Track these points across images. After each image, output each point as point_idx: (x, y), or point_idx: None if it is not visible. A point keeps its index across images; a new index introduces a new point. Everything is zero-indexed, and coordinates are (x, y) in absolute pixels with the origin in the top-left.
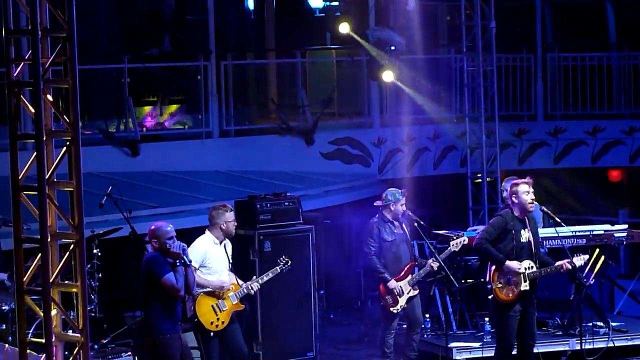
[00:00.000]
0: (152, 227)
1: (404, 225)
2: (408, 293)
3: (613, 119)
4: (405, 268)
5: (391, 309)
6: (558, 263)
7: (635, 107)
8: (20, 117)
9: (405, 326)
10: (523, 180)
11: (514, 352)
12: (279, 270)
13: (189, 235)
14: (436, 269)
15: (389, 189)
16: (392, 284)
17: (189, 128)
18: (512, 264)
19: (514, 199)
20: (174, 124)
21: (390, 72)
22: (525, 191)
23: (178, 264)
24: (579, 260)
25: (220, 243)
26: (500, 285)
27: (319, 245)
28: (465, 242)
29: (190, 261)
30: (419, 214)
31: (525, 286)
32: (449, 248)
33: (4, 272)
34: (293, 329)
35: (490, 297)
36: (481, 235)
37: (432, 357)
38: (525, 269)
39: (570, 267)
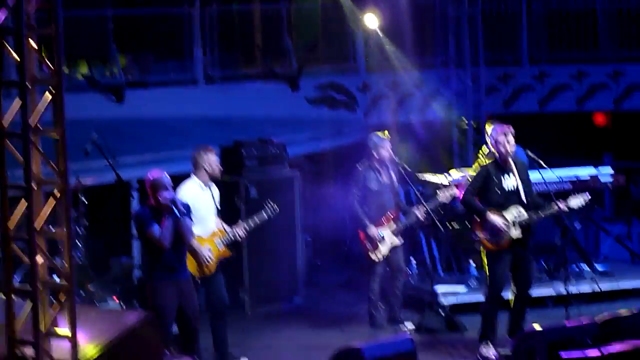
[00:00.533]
0: (149, 176)
1: (391, 172)
2: (391, 241)
3: (598, 63)
4: (389, 216)
5: (370, 255)
6: (553, 207)
7: (620, 51)
8: (3, 64)
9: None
10: (503, 128)
11: (511, 296)
12: (265, 216)
13: (174, 182)
14: (422, 217)
15: (371, 135)
16: (372, 230)
17: (174, 74)
18: (495, 218)
19: (491, 146)
20: None
21: (373, 18)
22: (502, 141)
23: (166, 216)
24: (576, 199)
25: (206, 185)
26: (485, 235)
27: (304, 191)
28: (456, 195)
29: (183, 212)
30: (405, 159)
31: (516, 233)
32: (438, 199)
33: None
34: (279, 274)
35: (478, 246)
36: (466, 189)
37: (418, 302)
38: (514, 216)
39: (566, 208)
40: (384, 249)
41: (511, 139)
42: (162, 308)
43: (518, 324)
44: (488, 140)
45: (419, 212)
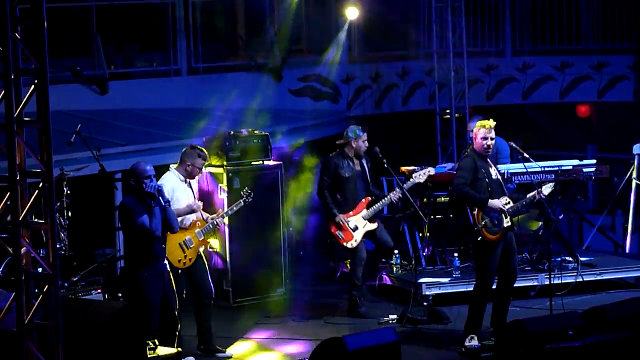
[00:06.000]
0: (132, 166)
1: (363, 162)
2: (364, 227)
3: (581, 54)
4: (359, 203)
5: (344, 244)
6: (529, 195)
7: (603, 43)
8: None
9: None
10: (484, 124)
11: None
12: (242, 203)
13: (157, 173)
14: (396, 200)
15: (350, 126)
16: (339, 218)
17: (157, 66)
18: (494, 201)
19: (473, 139)
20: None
21: (354, 9)
22: (483, 137)
23: (153, 204)
24: (547, 188)
25: (185, 181)
26: (486, 225)
27: (287, 182)
28: (432, 173)
29: (167, 201)
30: (387, 151)
31: (507, 222)
32: (412, 179)
33: None
34: (263, 265)
35: (479, 238)
36: (457, 180)
37: (401, 293)
38: (504, 204)
39: (540, 196)
40: (357, 236)
41: (490, 142)
42: (150, 301)
43: (501, 315)
44: (470, 134)
45: (393, 197)
